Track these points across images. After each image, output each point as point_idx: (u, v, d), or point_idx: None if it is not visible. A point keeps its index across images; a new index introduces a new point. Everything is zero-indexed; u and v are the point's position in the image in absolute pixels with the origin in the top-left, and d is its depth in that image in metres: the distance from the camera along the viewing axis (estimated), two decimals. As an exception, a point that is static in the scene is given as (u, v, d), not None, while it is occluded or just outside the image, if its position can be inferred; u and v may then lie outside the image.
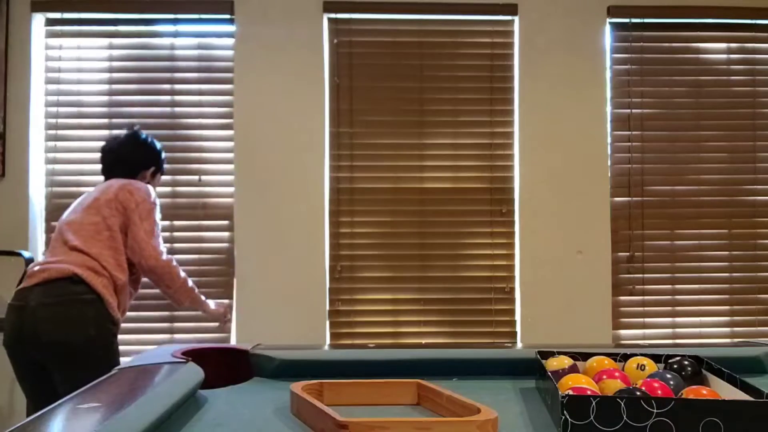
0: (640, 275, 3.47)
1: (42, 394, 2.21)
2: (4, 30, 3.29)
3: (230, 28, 3.40)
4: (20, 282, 2.31)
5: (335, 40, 3.43)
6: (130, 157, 2.54)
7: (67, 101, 3.38)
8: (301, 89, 3.39)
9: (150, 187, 2.46)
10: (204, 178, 3.40)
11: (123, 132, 2.63)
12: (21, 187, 3.30)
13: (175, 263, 2.40)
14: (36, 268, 2.23)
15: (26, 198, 3.30)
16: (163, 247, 2.39)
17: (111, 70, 3.39)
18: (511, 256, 3.44)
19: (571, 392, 1.05)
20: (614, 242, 3.45)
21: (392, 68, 3.44)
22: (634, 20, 3.48)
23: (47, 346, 2.11)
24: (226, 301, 2.77)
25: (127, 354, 3.02)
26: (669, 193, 3.49)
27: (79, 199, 2.47)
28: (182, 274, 2.41)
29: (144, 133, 2.62)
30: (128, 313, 2.50)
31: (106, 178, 2.53)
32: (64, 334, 2.11)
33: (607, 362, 1.30)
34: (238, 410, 1.20)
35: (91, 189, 2.53)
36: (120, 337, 2.34)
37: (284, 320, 3.32)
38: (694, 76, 3.51)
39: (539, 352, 1.35)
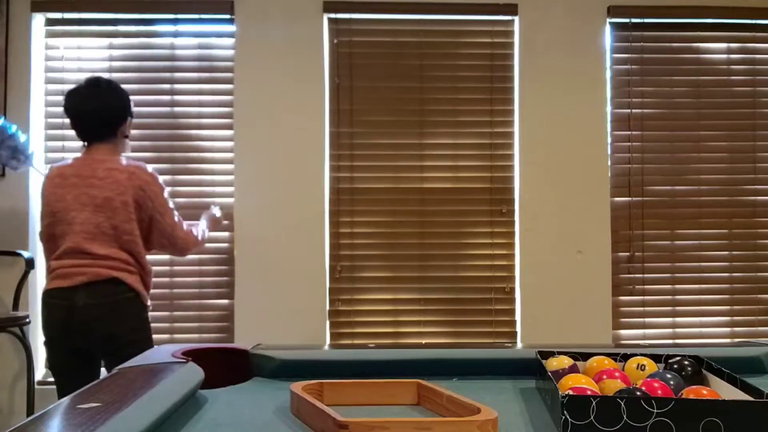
0: (640, 275, 3.47)
1: (77, 384, 2.26)
2: (4, 30, 3.29)
3: (230, 28, 3.40)
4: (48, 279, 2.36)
5: (335, 40, 3.43)
6: (108, 114, 2.41)
7: (67, 101, 3.38)
8: (301, 89, 3.39)
9: (153, 171, 2.40)
10: (204, 178, 3.40)
11: (78, 85, 2.40)
12: (21, 187, 3.30)
13: (195, 231, 2.51)
14: (64, 269, 2.28)
15: (26, 198, 3.30)
16: (185, 225, 2.46)
17: (111, 70, 3.39)
18: (511, 256, 3.44)
19: (571, 392, 1.05)
20: (614, 242, 3.44)
21: (392, 68, 3.44)
22: (634, 20, 3.47)
23: (97, 339, 2.30)
24: (211, 212, 2.88)
25: (127, 354, 3.02)
26: (669, 193, 3.49)
27: (69, 176, 2.33)
28: (195, 232, 2.52)
29: (101, 77, 2.46)
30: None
31: (87, 141, 2.40)
32: (113, 329, 2.28)
33: (607, 362, 1.30)
34: (238, 410, 1.20)
35: (71, 160, 2.39)
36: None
37: (284, 320, 3.32)
38: (694, 76, 3.51)
39: (539, 352, 1.35)
